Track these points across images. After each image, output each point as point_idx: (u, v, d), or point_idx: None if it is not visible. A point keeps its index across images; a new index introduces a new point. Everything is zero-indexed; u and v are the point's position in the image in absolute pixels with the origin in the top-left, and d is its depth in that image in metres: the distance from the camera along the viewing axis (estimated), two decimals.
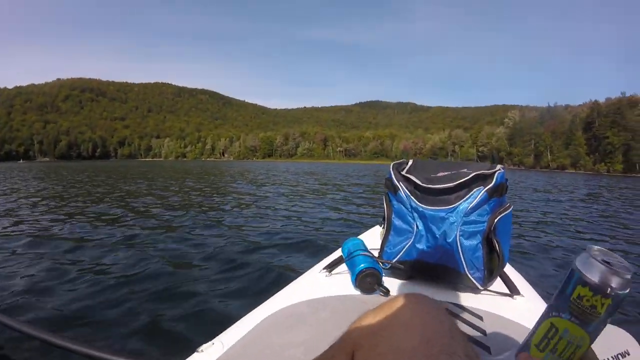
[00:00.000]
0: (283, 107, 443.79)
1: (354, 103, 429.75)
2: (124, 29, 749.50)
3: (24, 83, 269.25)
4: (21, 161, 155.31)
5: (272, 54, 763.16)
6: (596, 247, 0.67)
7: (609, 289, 0.59)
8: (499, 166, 1.60)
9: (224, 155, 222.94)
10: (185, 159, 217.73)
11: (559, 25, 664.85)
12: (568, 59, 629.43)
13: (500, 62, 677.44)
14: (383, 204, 1.73)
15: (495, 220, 1.48)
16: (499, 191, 1.52)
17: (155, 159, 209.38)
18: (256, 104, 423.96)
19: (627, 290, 0.60)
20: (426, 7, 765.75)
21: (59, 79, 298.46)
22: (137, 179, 21.56)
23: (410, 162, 1.84)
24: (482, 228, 1.46)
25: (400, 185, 1.65)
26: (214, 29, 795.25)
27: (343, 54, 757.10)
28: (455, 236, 1.45)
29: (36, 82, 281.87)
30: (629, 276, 0.63)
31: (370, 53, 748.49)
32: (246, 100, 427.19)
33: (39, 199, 10.94)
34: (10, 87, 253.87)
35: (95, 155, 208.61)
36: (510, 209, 1.60)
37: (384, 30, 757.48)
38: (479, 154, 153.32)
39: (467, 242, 1.45)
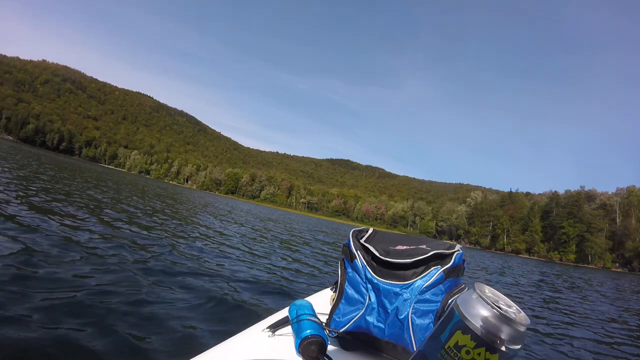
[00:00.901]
0: (256, 148, 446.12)
1: (325, 158, 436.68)
2: (122, 29, 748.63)
3: (10, 54, 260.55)
4: None
5: (256, 93, 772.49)
6: (487, 286, 0.68)
7: (498, 341, 0.55)
8: (458, 246, 1.55)
9: (187, 182, 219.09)
10: (148, 176, 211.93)
11: (527, 121, 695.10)
12: (531, 149, 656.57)
13: (469, 143, 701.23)
14: (337, 269, 1.63)
15: (449, 301, 1.36)
16: (455, 272, 1.46)
17: (117, 168, 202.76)
18: (230, 138, 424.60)
19: (519, 347, 0.57)
20: (410, 80, 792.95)
21: (44, 61, 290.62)
22: (105, 187, 21.89)
23: (370, 231, 1.77)
24: (435, 307, 1.38)
25: (358, 254, 1.55)
26: (205, 53, 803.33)
27: (324, 108, 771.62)
28: (408, 313, 1.37)
29: (22, 57, 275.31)
30: (524, 328, 0.62)
31: (350, 113, 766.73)
32: (222, 133, 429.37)
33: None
34: None
35: (59, 147, 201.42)
36: (466, 289, 1.09)
37: (366, 93, 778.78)
38: (437, 228, 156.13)
39: (419, 321, 1.37)
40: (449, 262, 1.46)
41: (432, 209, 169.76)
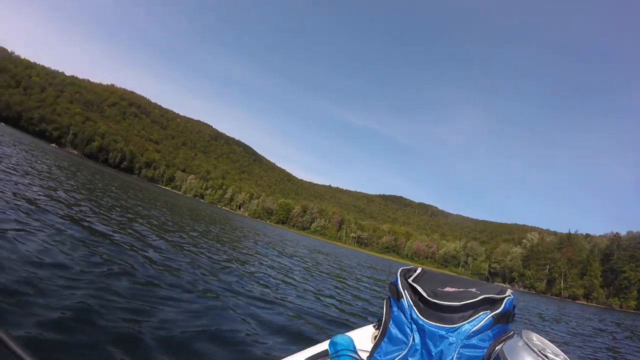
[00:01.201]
0: (309, 180, 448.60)
1: (377, 193, 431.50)
2: (186, 63, 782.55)
3: (81, 76, 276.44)
4: (53, 145, 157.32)
5: (312, 126, 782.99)
6: (535, 334, 0.73)
7: None
8: (509, 291, 1.53)
9: (239, 209, 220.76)
10: (202, 200, 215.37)
11: (587, 160, 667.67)
12: (591, 188, 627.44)
13: (526, 181, 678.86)
14: (383, 307, 1.65)
15: (497, 348, 1.37)
16: (505, 318, 1.45)
17: (174, 190, 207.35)
18: (284, 170, 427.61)
19: None
20: (465, 117, 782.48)
21: (112, 85, 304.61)
22: (165, 208, 23.00)
23: (419, 271, 1.79)
24: (481, 354, 1.37)
25: (405, 293, 1.58)
26: (263, 88, 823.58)
27: (377, 143, 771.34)
28: (452, 358, 1.37)
29: (92, 80, 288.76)
30: None
31: (404, 148, 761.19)
32: (276, 163, 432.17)
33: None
34: (67, 73, 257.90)
35: (120, 166, 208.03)
36: (514, 337, 1.44)
37: (421, 129, 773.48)
38: (490, 269, 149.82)
39: None
40: (499, 307, 1.43)
41: (486, 249, 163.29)
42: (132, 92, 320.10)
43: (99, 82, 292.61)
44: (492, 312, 1.42)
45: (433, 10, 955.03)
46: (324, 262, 20.08)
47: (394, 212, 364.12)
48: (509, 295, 1.49)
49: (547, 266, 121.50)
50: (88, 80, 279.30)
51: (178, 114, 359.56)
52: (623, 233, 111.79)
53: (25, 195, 8.52)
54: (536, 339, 0.90)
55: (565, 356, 0.84)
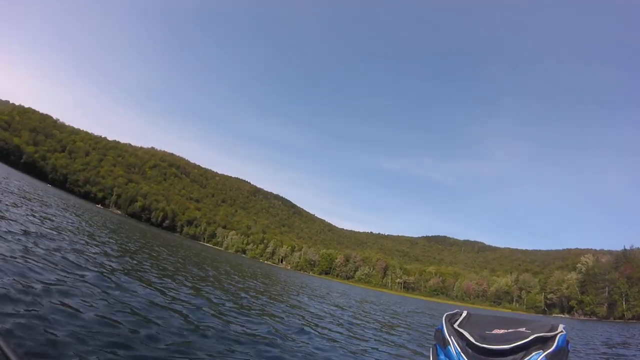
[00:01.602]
0: (350, 228, 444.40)
1: (420, 236, 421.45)
2: (222, 125, 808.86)
3: (123, 140, 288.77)
4: (99, 206, 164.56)
5: (349, 177, 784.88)
6: None
7: None
8: (561, 327, 1.49)
9: (282, 262, 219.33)
10: (244, 255, 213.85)
11: (629, 166, 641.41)
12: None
13: (573, 205, 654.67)
14: (429, 356, 1.63)
15: None
16: (559, 356, 1.40)
17: (216, 247, 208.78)
18: (324, 220, 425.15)
19: None
20: (499, 148, 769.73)
21: (153, 148, 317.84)
22: (211, 266, 23.81)
23: (464, 314, 1.74)
24: None
25: (451, 340, 1.53)
26: (297, 143, 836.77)
27: (415, 185, 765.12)
28: None
29: (133, 144, 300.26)
30: None
31: (442, 188, 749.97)
32: (316, 215, 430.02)
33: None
34: (110, 138, 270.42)
35: (162, 224, 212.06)
36: None
37: (457, 167, 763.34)
38: (547, 301, 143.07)
39: None
40: (552, 345, 1.39)
41: (539, 280, 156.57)
42: (172, 154, 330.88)
43: (140, 146, 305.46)
44: (544, 351, 1.38)
45: (450, 48, 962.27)
46: (371, 312, 19.95)
47: (439, 252, 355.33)
48: (561, 332, 1.45)
49: (606, 288, 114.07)
50: (130, 144, 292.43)
51: (217, 173, 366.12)
52: None
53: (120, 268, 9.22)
54: None
55: None
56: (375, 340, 9.32)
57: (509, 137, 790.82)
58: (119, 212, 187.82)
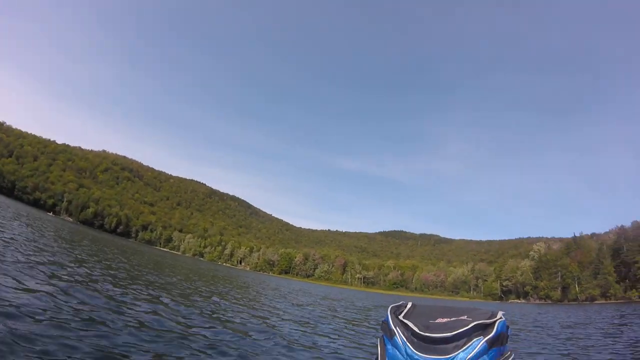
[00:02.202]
0: (307, 227, 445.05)
1: (377, 231, 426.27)
2: (174, 125, 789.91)
3: (72, 143, 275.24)
4: (50, 214, 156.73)
5: (305, 177, 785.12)
6: None
7: None
8: (500, 314, 1.56)
9: (240, 264, 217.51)
10: (202, 258, 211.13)
11: (577, 161, 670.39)
12: (587, 187, 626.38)
13: (523, 195, 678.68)
14: (377, 347, 1.66)
15: None
16: (499, 341, 1.47)
17: (172, 251, 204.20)
18: (282, 220, 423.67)
19: None
20: (453, 143, 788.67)
21: (104, 151, 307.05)
22: (169, 270, 23.57)
23: (409, 306, 1.80)
24: None
25: (397, 330, 1.58)
26: (252, 144, 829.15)
27: (371, 184, 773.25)
28: None
29: (83, 147, 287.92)
30: None
31: (397, 185, 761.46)
32: (273, 215, 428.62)
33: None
34: (59, 142, 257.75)
35: (116, 230, 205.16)
36: (512, 357, 1.55)
37: (412, 163, 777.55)
38: (503, 288, 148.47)
39: None
40: (492, 331, 1.46)
41: (494, 269, 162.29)
42: (124, 157, 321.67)
43: (90, 149, 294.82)
44: (485, 337, 1.44)
45: (412, 53, 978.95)
46: (336, 307, 20.27)
47: (397, 247, 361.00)
48: (501, 318, 1.53)
49: (559, 273, 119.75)
50: (80, 148, 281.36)
51: (171, 175, 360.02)
52: (628, 225, 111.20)
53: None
54: None
55: None
56: (338, 335, 9.58)
57: (463, 137, 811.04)
58: (71, 219, 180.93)
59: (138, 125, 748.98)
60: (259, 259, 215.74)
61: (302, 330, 9.26)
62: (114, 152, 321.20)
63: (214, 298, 12.50)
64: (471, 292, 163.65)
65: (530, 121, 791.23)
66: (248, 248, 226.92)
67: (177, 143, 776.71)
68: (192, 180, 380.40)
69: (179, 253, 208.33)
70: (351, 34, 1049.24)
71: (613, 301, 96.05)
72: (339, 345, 8.17)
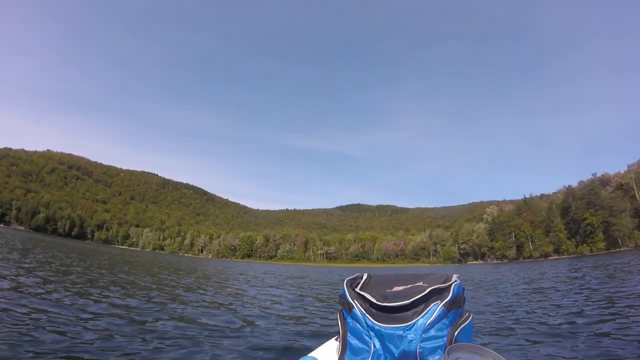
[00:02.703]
0: (265, 209, 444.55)
1: (335, 206, 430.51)
2: (119, 115, 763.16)
3: (14, 146, 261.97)
4: (1, 225, 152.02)
5: (258, 158, 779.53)
6: (463, 348, 0.74)
7: None
8: (454, 277, 1.57)
9: (202, 252, 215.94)
10: (162, 251, 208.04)
11: (525, 124, 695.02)
12: (534, 150, 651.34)
13: (474, 161, 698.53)
14: (337, 321, 1.66)
15: (456, 333, 1.43)
16: (457, 303, 1.48)
17: (132, 248, 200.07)
18: (239, 203, 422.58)
19: None
20: (403, 120, 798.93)
21: (49, 150, 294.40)
22: (127, 267, 22.79)
23: (365, 277, 1.81)
24: (442, 343, 1.40)
25: (355, 303, 1.58)
26: (203, 129, 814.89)
27: (325, 160, 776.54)
28: (415, 354, 1.38)
29: (27, 149, 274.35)
30: None
31: (351, 160, 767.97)
32: (229, 199, 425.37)
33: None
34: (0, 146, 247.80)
35: (71, 233, 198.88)
36: (470, 318, 1.56)
37: (364, 139, 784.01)
38: (460, 251, 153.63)
39: (429, 359, 1.39)
40: (448, 294, 1.49)
41: (451, 233, 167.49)
42: (70, 154, 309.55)
43: (34, 150, 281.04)
44: (442, 301, 1.46)
45: (355, 30, 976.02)
46: (298, 285, 20.13)
47: (355, 220, 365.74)
48: (455, 281, 1.55)
49: (513, 234, 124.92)
50: (23, 150, 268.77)
51: (121, 169, 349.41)
52: (575, 184, 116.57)
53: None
54: (463, 355, 0.95)
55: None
56: (310, 312, 9.65)
57: (411, 110, 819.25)
58: (22, 227, 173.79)
59: (77, 119, 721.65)
60: (220, 245, 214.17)
61: (270, 313, 9.24)
62: (59, 150, 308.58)
63: (177, 291, 12.54)
64: (431, 258, 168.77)
65: (474, 87, 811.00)
66: (208, 236, 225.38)
67: (123, 135, 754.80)
68: (143, 172, 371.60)
69: (139, 249, 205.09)
70: (294, 10, 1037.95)
71: (566, 256, 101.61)
72: (310, 322, 8.34)
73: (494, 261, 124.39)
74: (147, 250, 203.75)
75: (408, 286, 1.59)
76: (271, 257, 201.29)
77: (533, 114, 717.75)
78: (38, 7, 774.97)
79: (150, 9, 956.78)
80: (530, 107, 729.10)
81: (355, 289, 1.65)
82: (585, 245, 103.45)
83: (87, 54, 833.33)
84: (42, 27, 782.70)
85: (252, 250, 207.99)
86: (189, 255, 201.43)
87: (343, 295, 1.65)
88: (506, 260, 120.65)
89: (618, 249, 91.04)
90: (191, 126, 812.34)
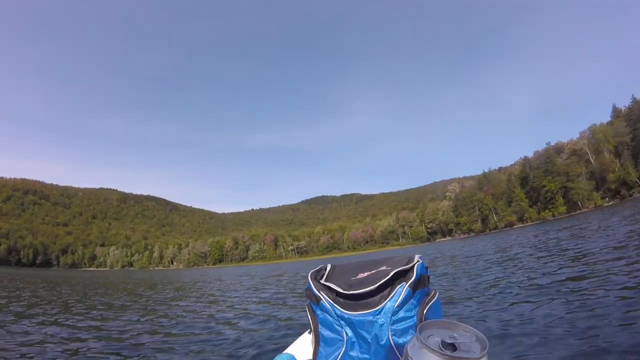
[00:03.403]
0: (230, 211, 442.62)
1: (299, 201, 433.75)
2: (69, 133, 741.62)
3: None
4: None
5: (215, 161, 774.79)
6: (432, 324, 0.75)
7: None
8: (417, 257, 1.58)
9: (172, 264, 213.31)
10: (132, 268, 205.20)
11: (475, 99, 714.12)
12: (487, 124, 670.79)
13: (431, 143, 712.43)
14: (307, 315, 1.66)
15: (425, 311, 1.45)
16: (422, 283, 1.49)
17: (100, 269, 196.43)
18: (203, 209, 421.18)
19: None
20: (359, 106, 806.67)
21: (1, 178, 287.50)
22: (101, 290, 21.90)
23: (329, 268, 1.80)
24: (413, 322, 1.42)
25: (322, 295, 1.59)
26: (157, 137, 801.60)
27: (284, 156, 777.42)
28: (388, 337, 1.40)
29: None
30: (481, 354, 0.63)
31: (310, 153, 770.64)
32: (193, 206, 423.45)
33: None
34: None
35: (35, 262, 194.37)
36: (437, 295, 1.57)
37: (322, 131, 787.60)
38: (428, 230, 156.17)
39: (401, 340, 1.40)
40: (412, 275, 1.49)
41: (417, 214, 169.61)
42: (24, 180, 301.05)
43: None
44: (407, 282, 1.46)
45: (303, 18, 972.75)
46: (264, 286, 19.61)
47: (322, 212, 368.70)
48: (418, 261, 1.55)
49: (476, 207, 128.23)
50: None
51: (79, 188, 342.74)
52: (530, 155, 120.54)
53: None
54: (432, 331, 0.90)
55: (473, 331, 0.79)
56: (289, 308, 9.96)
57: (366, 96, 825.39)
58: None
59: (26, 142, 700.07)
60: (189, 254, 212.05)
61: (256, 316, 9.12)
62: (12, 177, 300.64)
63: (160, 307, 12.34)
64: (400, 240, 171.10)
65: (426, 66, 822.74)
66: (176, 246, 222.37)
67: (75, 153, 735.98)
68: (102, 188, 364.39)
69: (107, 268, 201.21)
70: (237, 2, 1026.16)
71: (530, 223, 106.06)
72: (293, 317, 8.45)
73: (462, 236, 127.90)
74: (116, 268, 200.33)
75: (372, 272, 1.61)
76: (243, 260, 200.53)
77: (483, 85, 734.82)
78: None
79: (86, 17, 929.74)
80: (479, 79, 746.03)
81: (321, 281, 1.66)
82: (547, 211, 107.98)
83: (26, 72, 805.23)
84: None
85: (222, 255, 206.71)
86: (159, 268, 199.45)
87: (309, 289, 1.65)
88: (473, 234, 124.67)
89: (579, 211, 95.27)
90: (144, 136, 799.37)
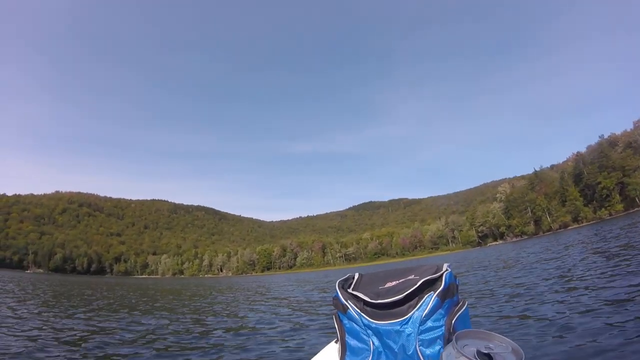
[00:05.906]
0: (278, 219, 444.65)
1: (347, 207, 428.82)
2: (122, 148, 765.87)
3: (23, 192, 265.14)
4: (29, 271, 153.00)
5: (263, 170, 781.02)
6: (469, 333, 0.76)
7: None
8: (445, 266, 1.56)
9: (222, 271, 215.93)
10: (182, 275, 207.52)
11: (520, 100, 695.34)
12: (537, 121, 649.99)
13: (478, 143, 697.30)
14: (334, 324, 1.66)
15: (453, 321, 1.43)
16: (450, 292, 1.48)
17: (152, 276, 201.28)
18: (252, 218, 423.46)
19: None
20: (405, 109, 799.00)
21: (57, 192, 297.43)
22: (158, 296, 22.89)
23: (356, 277, 1.80)
24: (441, 333, 1.40)
25: (349, 304, 1.57)
26: (205, 149, 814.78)
27: (331, 164, 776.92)
28: (415, 347, 1.39)
29: (35, 193, 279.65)
30: None
31: (357, 159, 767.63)
32: (242, 215, 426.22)
33: None
34: (9, 194, 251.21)
35: (90, 270, 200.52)
36: (466, 305, 1.56)
37: (367, 136, 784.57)
38: (479, 234, 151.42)
39: (428, 351, 1.39)
40: (440, 284, 1.48)
41: (467, 217, 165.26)
42: (79, 193, 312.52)
43: (42, 193, 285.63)
44: (435, 291, 1.45)
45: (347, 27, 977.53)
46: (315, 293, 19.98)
47: (369, 218, 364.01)
48: (447, 270, 1.54)
49: (528, 209, 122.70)
50: (32, 195, 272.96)
51: (131, 200, 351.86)
52: (583, 150, 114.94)
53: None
54: (469, 340, 0.97)
55: (508, 342, 0.89)
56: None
57: (408, 96, 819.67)
58: (41, 270, 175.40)
59: (81, 157, 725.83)
60: (238, 261, 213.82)
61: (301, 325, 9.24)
62: (68, 190, 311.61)
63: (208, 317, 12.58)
64: (450, 245, 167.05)
65: (467, 68, 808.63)
66: (225, 254, 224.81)
67: (127, 166, 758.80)
68: (153, 200, 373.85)
69: (159, 276, 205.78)
70: (275, 16, 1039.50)
71: (585, 224, 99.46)
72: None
73: (514, 239, 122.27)
74: (167, 276, 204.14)
75: (400, 281, 1.59)
76: (291, 267, 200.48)
77: (525, 86, 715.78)
78: (31, 53, 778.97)
79: (134, 35, 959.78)
80: (521, 79, 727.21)
81: (348, 290, 1.65)
82: (603, 209, 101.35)
83: (79, 91, 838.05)
84: (35, 70, 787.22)
85: (270, 263, 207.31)
86: (209, 275, 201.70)
87: (336, 297, 1.64)
88: (526, 237, 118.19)
89: (637, 209, 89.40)
90: (193, 148, 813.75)
